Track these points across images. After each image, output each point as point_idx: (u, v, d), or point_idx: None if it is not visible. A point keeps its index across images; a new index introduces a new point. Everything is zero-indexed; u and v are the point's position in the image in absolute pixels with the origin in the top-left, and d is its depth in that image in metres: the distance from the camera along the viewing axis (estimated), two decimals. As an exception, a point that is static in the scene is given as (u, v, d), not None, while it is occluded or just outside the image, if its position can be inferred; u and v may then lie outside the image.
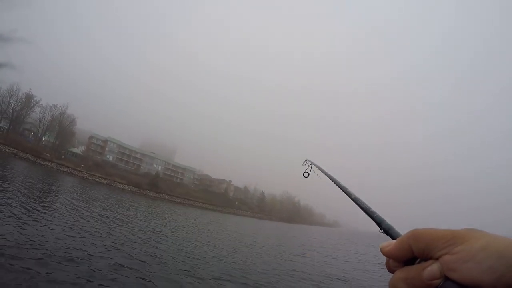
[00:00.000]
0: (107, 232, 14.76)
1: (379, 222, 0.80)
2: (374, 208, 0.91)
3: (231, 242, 22.52)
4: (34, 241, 9.88)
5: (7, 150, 66.01)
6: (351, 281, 14.83)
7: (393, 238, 0.68)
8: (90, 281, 7.64)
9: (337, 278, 14.94)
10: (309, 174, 2.11)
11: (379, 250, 0.55)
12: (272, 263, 16.07)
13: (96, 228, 15.01)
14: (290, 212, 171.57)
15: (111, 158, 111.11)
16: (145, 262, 10.78)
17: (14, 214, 13.18)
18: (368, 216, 0.91)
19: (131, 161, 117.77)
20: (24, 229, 11.12)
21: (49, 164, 71.42)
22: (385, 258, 0.54)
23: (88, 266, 8.76)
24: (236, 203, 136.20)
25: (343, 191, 1.24)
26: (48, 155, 77.37)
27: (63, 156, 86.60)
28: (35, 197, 19.80)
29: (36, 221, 13.05)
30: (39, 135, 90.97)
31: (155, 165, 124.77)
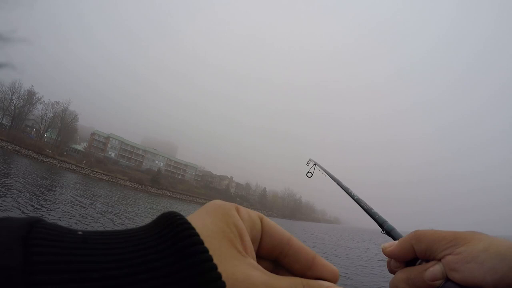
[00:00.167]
0: (108, 228, 14.84)
1: (381, 223, 0.81)
2: (376, 209, 0.91)
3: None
4: None
5: (10, 147, 66.23)
6: (352, 277, 14.87)
7: (394, 239, 0.68)
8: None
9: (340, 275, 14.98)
10: (312, 174, 2.17)
11: (381, 250, 0.55)
12: None
13: (100, 224, 15.14)
14: (291, 209, 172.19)
15: (113, 155, 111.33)
16: None
17: (20, 211, 13.31)
18: (370, 217, 0.91)
19: (133, 157, 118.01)
20: None
21: (51, 161, 71.66)
22: (386, 257, 0.55)
23: None
24: (238, 199, 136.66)
25: (345, 191, 1.24)
26: (50, 151, 77.61)
27: (65, 153, 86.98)
28: (39, 194, 19.90)
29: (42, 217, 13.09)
30: (41, 132, 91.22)
31: (157, 162, 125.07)
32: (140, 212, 26.46)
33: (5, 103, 79.85)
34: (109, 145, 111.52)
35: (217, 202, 0.36)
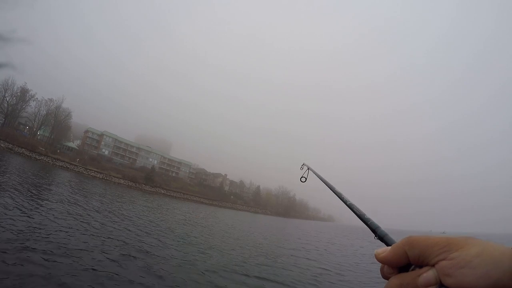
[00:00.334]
0: (105, 226, 15.01)
1: (374, 229, 0.81)
2: (368, 214, 0.92)
3: (227, 236, 22.93)
4: (36, 236, 10.17)
5: (2, 145, 65.81)
6: (345, 275, 14.86)
7: (387, 245, 0.69)
8: (93, 271, 8.09)
9: (334, 272, 15.06)
10: (306, 179, 2.27)
11: (374, 256, 0.56)
12: (269, 257, 16.31)
13: (94, 223, 15.26)
14: (285, 207, 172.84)
15: (106, 152, 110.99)
16: (143, 256, 11.06)
17: (19, 210, 13.42)
18: (363, 223, 0.92)
19: (126, 155, 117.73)
20: (23, 225, 11.38)
21: (45, 159, 71.33)
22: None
23: (88, 259, 9.08)
24: (232, 197, 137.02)
25: (338, 197, 1.25)
26: (44, 149, 77.19)
27: (58, 151, 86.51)
28: (32, 193, 19.88)
29: (31, 218, 13.20)
30: (35, 129, 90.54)
31: (150, 159, 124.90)
32: (136, 210, 26.70)
33: (-3, 100, 79.25)
34: (102, 143, 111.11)
35: None
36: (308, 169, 2.21)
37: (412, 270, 0.50)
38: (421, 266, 0.49)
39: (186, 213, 38.97)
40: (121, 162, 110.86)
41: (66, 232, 11.96)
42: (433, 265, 0.47)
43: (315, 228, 70.74)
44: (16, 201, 15.25)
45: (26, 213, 13.36)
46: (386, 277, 0.54)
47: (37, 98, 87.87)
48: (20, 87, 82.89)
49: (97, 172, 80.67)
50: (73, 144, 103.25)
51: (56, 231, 11.69)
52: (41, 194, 20.58)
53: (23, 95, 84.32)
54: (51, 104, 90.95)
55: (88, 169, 79.31)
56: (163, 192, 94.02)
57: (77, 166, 77.58)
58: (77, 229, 12.94)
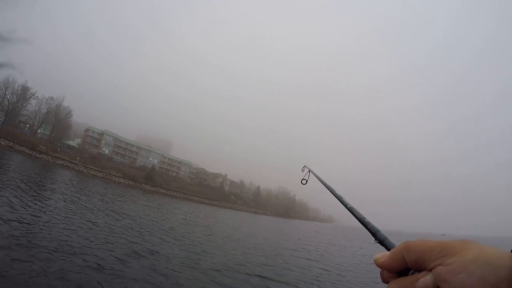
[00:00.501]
0: (108, 225, 15.07)
1: (374, 233, 0.81)
2: (368, 215, 0.91)
3: (228, 236, 22.89)
4: (41, 233, 10.20)
5: (3, 143, 65.78)
6: (345, 275, 14.86)
7: (387, 249, 0.69)
8: (98, 268, 8.06)
9: (335, 273, 15.02)
10: (307, 182, 2.25)
11: (374, 262, 0.56)
12: (270, 257, 16.36)
13: (97, 221, 15.29)
14: (285, 207, 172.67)
15: (107, 151, 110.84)
16: (147, 254, 11.11)
17: (24, 210, 13.44)
18: (363, 226, 0.92)
19: (127, 154, 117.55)
20: (26, 223, 11.40)
21: (45, 157, 71.30)
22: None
23: (90, 257, 9.11)
24: (232, 197, 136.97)
25: (339, 200, 1.25)
26: (44, 147, 77.15)
27: (58, 149, 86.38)
28: (34, 191, 19.92)
29: (34, 215, 13.24)
30: (35, 127, 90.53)
31: (151, 159, 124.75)
32: (137, 209, 26.71)
33: (-2, 98, 79.21)
34: (103, 142, 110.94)
35: None
36: (309, 171, 2.20)
37: (412, 274, 0.50)
38: (420, 271, 0.49)
39: (187, 213, 38.96)
40: (122, 161, 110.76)
41: (71, 230, 11.97)
42: (430, 270, 0.47)
43: (315, 229, 70.66)
44: (21, 200, 15.27)
45: (30, 212, 13.38)
46: (385, 281, 0.55)
47: (37, 96, 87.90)
48: (21, 85, 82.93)
49: (97, 171, 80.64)
50: (74, 142, 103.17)
51: (61, 229, 11.70)
52: (43, 193, 20.62)
53: (24, 93, 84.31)
54: (52, 102, 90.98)
55: (88, 167, 79.28)
56: (163, 191, 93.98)
57: (77, 164, 77.54)
58: (81, 228, 12.95)
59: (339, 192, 1.32)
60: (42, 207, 15.17)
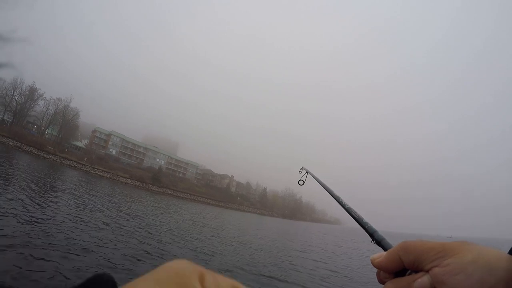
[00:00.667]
0: (118, 225, 15.07)
1: (371, 233, 0.81)
2: (366, 219, 0.91)
3: (236, 237, 22.65)
4: (49, 233, 10.15)
5: (11, 143, 66.19)
6: (352, 277, 15.04)
7: (384, 249, 0.68)
8: (111, 268, 7.59)
9: (342, 274, 15.21)
10: (304, 182, 2.21)
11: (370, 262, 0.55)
12: (279, 258, 16.39)
13: (107, 221, 15.28)
14: (292, 209, 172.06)
15: (114, 152, 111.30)
16: (158, 253, 11.06)
17: (34, 208, 13.45)
18: (360, 227, 0.91)
19: (134, 155, 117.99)
20: (39, 222, 11.41)
21: (53, 158, 71.63)
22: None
23: (102, 256, 9.11)
24: (238, 198, 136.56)
25: (337, 200, 1.24)
26: (52, 148, 77.60)
27: (66, 150, 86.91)
28: (44, 192, 20.09)
29: (46, 215, 13.28)
30: (43, 128, 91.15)
31: (158, 160, 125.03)
32: (145, 210, 26.48)
33: (6, 99, 79.80)
34: (110, 142, 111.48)
35: (175, 265, 0.31)
36: (307, 172, 2.20)
37: (409, 275, 0.50)
38: (417, 271, 0.48)
39: (194, 214, 38.81)
40: (129, 162, 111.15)
41: (82, 230, 12.03)
42: (427, 271, 0.46)
43: (322, 230, 70.17)
44: (32, 200, 15.27)
45: (42, 212, 13.38)
46: (382, 281, 0.54)
47: (45, 98, 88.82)
48: (29, 86, 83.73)
49: (104, 171, 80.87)
50: (81, 143, 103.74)
51: (73, 228, 11.78)
52: (54, 193, 20.70)
53: (32, 94, 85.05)
54: (59, 103, 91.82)
55: (95, 168, 79.48)
56: (170, 192, 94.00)
57: (84, 165, 77.80)
58: (92, 228, 12.97)
59: (337, 193, 1.31)
60: (55, 208, 15.15)
